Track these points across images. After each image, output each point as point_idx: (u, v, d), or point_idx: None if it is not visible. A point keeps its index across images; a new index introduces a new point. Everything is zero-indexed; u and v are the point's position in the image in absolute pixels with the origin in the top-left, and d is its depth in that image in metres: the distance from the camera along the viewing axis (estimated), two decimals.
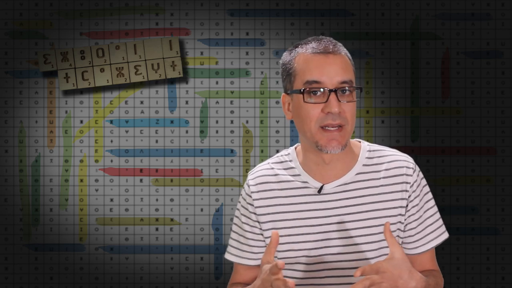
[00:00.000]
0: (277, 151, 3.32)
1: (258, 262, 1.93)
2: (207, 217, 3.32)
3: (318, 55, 1.78)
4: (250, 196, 1.90)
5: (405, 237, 1.85)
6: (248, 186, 1.92)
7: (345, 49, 1.82)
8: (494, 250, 3.29)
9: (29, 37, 3.31)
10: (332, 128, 1.76)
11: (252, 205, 1.90)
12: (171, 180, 3.32)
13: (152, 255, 3.32)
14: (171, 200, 3.32)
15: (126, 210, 3.32)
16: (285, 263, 1.87)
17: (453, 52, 3.30)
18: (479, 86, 3.30)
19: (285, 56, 1.84)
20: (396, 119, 3.31)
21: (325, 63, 1.77)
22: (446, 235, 1.89)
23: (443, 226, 1.89)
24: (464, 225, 3.29)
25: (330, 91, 1.75)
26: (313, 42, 1.81)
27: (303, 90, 1.77)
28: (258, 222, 1.89)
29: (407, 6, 3.30)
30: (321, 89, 1.75)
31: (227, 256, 1.97)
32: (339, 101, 1.75)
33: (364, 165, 1.85)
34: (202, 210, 3.32)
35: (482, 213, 3.30)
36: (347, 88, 1.76)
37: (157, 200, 3.32)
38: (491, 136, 3.29)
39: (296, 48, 1.82)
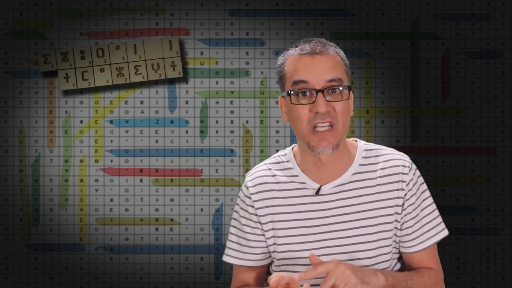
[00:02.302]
0: (277, 151, 3.31)
1: (259, 263, 1.93)
2: (207, 217, 3.32)
3: (305, 56, 1.79)
4: (250, 198, 1.90)
5: (402, 236, 1.85)
6: (247, 188, 1.91)
7: (337, 48, 1.82)
8: (494, 250, 3.29)
9: (29, 37, 3.31)
10: (322, 129, 1.76)
11: (253, 206, 1.89)
12: (171, 180, 3.32)
13: (152, 255, 3.32)
14: (171, 200, 3.32)
15: (126, 210, 3.32)
16: (283, 264, 1.87)
17: (453, 52, 3.29)
18: (479, 86, 3.30)
19: (279, 60, 1.86)
20: (396, 119, 3.31)
21: (311, 63, 1.77)
22: (444, 233, 1.88)
23: (442, 224, 1.88)
24: (464, 225, 3.29)
25: (317, 91, 1.75)
26: (302, 44, 1.82)
27: (290, 92, 1.78)
28: (260, 223, 1.89)
29: (407, 6, 3.29)
30: (307, 91, 1.76)
31: (226, 259, 1.96)
32: (327, 100, 1.75)
33: (360, 164, 1.85)
34: (202, 210, 3.32)
35: (482, 213, 3.29)
36: (338, 87, 1.76)
37: (157, 200, 3.32)
38: (491, 136, 3.29)
39: (288, 51, 1.84)
